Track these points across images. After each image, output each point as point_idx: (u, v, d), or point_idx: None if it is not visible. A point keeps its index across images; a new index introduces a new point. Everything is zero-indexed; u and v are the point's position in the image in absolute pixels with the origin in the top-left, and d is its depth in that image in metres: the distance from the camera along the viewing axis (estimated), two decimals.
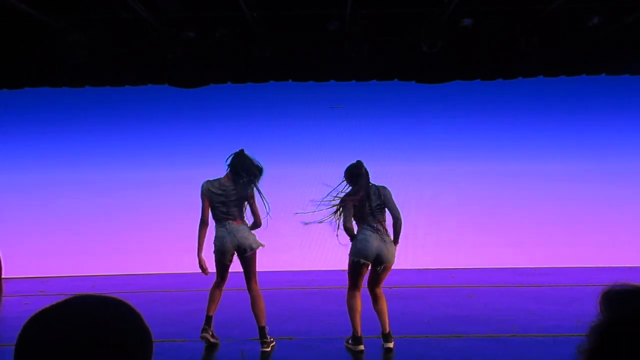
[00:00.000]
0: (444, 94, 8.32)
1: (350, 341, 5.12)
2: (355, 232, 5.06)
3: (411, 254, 8.39)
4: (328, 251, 8.38)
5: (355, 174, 5.14)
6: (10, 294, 8.03)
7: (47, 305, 0.98)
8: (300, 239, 7.87)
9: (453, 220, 8.69)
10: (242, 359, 4.94)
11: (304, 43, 7.12)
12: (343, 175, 5.22)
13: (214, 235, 5.32)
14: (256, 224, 5.34)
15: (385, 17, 6.93)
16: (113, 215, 8.90)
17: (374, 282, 5.09)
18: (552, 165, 8.69)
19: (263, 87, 7.97)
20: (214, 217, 5.26)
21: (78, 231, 8.86)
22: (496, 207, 8.73)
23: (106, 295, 1.03)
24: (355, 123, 8.64)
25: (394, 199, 5.11)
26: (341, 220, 5.04)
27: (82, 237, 8.86)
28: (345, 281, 5.18)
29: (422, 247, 8.52)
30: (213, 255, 5.36)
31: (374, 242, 4.95)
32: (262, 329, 5.12)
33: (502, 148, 8.77)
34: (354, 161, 5.24)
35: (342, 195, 5.11)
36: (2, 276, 8.89)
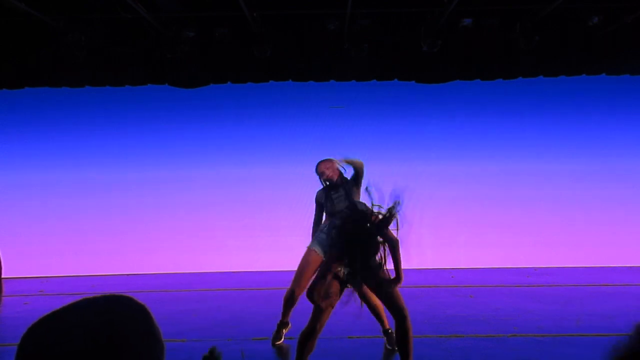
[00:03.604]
0: (444, 94, 8.32)
1: None
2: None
3: (411, 254, 8.39)
4: None
5: None
6: (10, 294, 8.03)
7: (54, 309, 0.95)
8: (300, 238, 7.86)
9: (453, 220, 8.68)
10: (242, 359, 4.94)
11: (304, 43, 7.12)
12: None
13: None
14: None
15: (385, 17, 6.93)
16: (113, 215, 8.90)
17: None
18: (552, 165, 8.69)
19: (263, 87, 7.97)
20: None
21: (78, 231, 8.86)
22: (496, 207, 8.73)
23: (117, 294, 1.00)
24: (355, 123, 8.64)
25: None
26: None
27: (82, 237, 8.86)
28: None
29: (422, 247, 8.51)
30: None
31: None
32: None
33: (502, 148, 8.77)
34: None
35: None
36: (2, 276, 8.91)
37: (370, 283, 4.33)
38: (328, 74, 7.55)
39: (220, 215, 8.71)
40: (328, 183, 5.32)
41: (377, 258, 4.20)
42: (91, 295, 0.99)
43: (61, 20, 6.51)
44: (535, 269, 8.51)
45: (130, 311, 0.97)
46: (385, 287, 4.19)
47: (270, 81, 7.66)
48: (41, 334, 0.92)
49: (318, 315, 4.17)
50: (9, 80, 7.54)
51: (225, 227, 8.64)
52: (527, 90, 8.36)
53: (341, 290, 4.24)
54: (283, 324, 5.39)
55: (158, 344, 0.99)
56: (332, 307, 4.24)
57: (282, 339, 5.33)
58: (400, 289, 4.32)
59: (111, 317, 0.94)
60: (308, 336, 4.16)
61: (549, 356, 4.85)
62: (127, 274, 8.72)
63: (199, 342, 5.28)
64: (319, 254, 5.02)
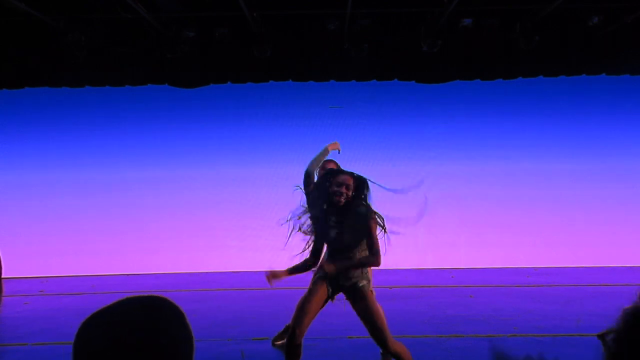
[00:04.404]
0: (444, 94, 8.32)
1: None
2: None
3: (411, 254, 8.40)
4: None
5: None
6: (10, 294, 8.03)
7: (100, 307, 1.05)
8: (300, 239, 7.87)
9: (453, 220, 8.68)
10: (242, 359, 4.94)
11: (304, 43, 7.12)
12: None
13: None
14: None
15: (385, 17, 6.93)
16: (113, 215, 8.90)
17: None
18: (552, 165, 8.69)
19: (263, 87, 7.97)
20: None
21: (78, 231, 8.86)
22: (496, 207, 8.73)
23: (155, 296, 1.09)
24: (355, 123, 8.64)
25: None
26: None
27: (82, 237, 8.86)
28: None
29: (422, 247, 8.51)
30: None
31: None
32: None
33: (502, 148, 8.77)
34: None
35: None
36: (2, 276, 8.91)
37: (356, 303, 4.03)
38: (328, 74, 7.56)
39: (220, 215, 8.71)
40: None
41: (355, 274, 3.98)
42: (132, 295, 1.09)
43: (61, 20, 6.51)
44: (535, 269, 8.51)
45: (169, 310, 1.09)
46: (359, 299, 3.94)
47: (270, 81, 7.66)
48: (94, 328, 1.03)
49: (299, 318, 3.99)
50: (9, 80, 7.55)
51: (225, 227, 8.64)
52: (527, 90, 8.36)
53: (325, 301, 4.10)
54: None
55: (190, 341, 1.11)
56: (315, 313, 4.06)
57: (284, 340, 5.31)
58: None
59: (155, 314, 1.06)
60: (289, 341, 4.00)
61: (549, 356, 4.84)
62: (127, 274, 8.72)
63: (199, 342, 5.25)
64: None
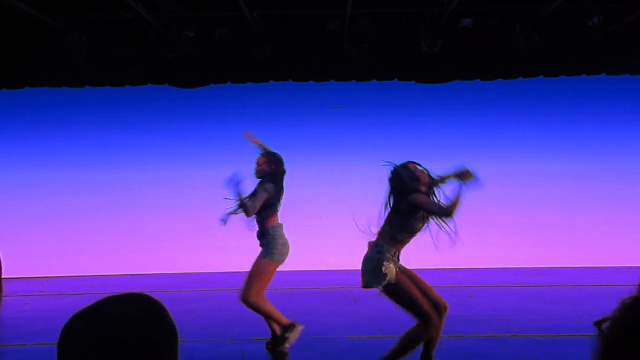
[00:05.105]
0: (444, 94, 8.31)
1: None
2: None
3: (411, 254, 8.39)
4: (328, 251, 8.39)
5: None
6: (10, 294, 8.04)
7: (83, 307, 1.05)
8: (299, 239, 7.87)
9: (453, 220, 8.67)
10: (242, 359, 4.94)
11: (304, 43, 7.12)
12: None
13: (278, 237, 5.19)
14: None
15: (385, 17, 6.93)
16: (113, 215, 8.91)
17: None
18: (552, 165, 8.69)
19: (263, 87, 7.96)
20: (274, 215, 5.28)
21: (78, 231, 8.86)
22: (496, 207, 8.73)
23: (135, 293, 1.11)
24: (355, 123, 8.64)
25: None
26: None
27: (82, 237, 8.86)
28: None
29: (423, 247, 8.50)
30: (271, 263, 5.23)
31: None
32: None
33: (502, 148, 8.77)
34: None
35: None
36: (2, 276, 8.91)
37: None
38: (328, 74, 7.55)
39: (220, 215, 8.69)
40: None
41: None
42: (115, 294, 1.10)
43: (61, 20, 6.50)
44: (535, 269, 8.52)
45: (155, 305, 1.11)
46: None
47: (270, 81, 7.65)
48: (78, 328, 1.02)
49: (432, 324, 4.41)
50: (9, 80, 7.54)
51: (225, 227, 8.63)
52: (527, 90, 8.36)
53: None
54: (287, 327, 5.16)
55: (177, 336, 1.12)
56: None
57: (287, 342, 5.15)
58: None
59: (145, 309, 1.08)
60: (422, 339, 4.36)
61: (549, 356, 4.85)
62: (127, 274, 8.72)
63: (199, 342, 5.28)
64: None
